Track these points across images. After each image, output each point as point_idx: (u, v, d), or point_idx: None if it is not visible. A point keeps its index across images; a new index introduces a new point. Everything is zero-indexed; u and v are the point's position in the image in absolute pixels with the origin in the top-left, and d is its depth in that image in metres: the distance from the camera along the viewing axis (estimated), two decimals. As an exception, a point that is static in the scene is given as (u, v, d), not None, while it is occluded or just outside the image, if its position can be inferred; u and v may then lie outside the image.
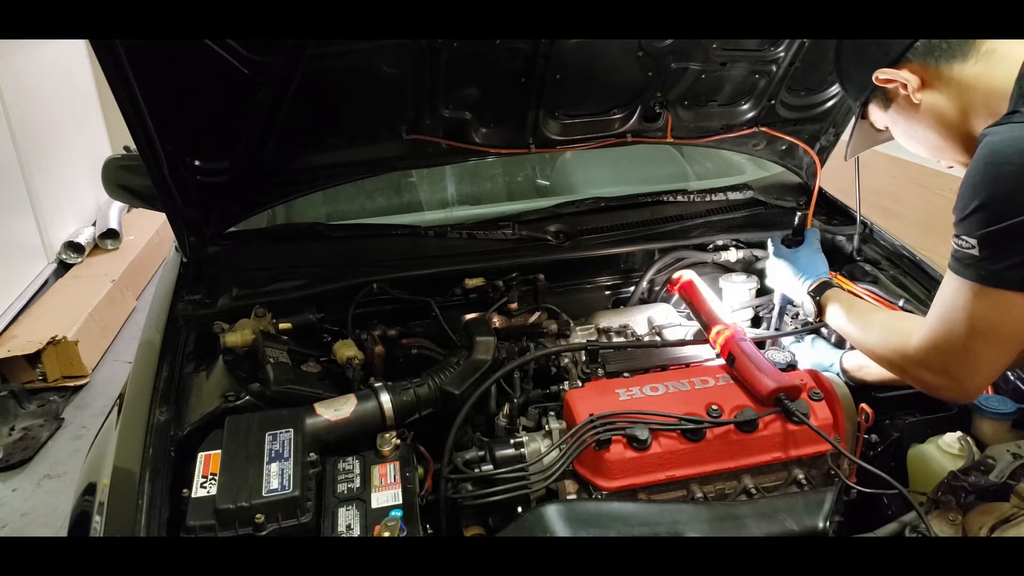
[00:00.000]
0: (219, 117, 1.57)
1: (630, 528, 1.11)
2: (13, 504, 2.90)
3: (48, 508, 2.86)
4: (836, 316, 1.45)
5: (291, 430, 1.29)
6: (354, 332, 1.66)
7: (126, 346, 3.89)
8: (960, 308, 1.09)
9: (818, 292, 1.53)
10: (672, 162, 2.39)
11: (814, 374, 1.40)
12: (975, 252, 1.04)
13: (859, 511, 1.32)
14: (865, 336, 1.34)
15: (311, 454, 1.27)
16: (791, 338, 1.68)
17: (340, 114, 1.68)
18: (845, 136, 1.40)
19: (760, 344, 1.58)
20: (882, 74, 1.20)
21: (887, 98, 1.25)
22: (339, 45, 1.48)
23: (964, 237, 1.06)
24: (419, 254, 1.90)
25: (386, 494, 1.23)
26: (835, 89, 1.96)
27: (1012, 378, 1.45)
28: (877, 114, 1.29)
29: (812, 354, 1.62)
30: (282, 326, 1.65)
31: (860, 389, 1.49)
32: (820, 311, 1.51)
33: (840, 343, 1.63)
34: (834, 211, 2.13)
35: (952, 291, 1.10)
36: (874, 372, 1.46)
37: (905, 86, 1.19)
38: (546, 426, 1.38)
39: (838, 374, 1.54)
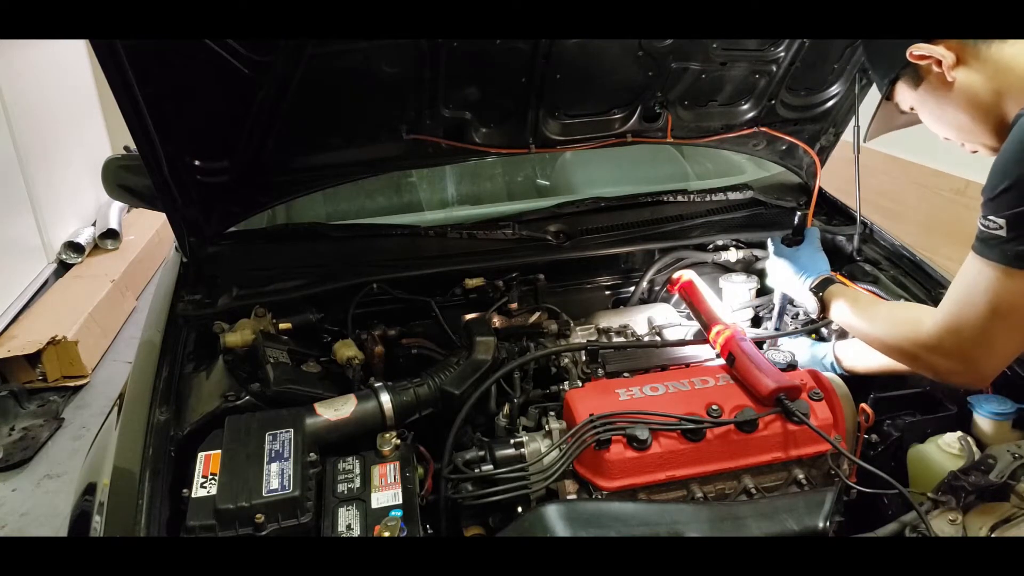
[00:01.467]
0: (219, 117, 1.58)
1: (630, 528, 1.11)
2: (13, 504, 2.90)
3: (48, 508, 2.86)
4: (841, 311, 1.44)
5: (291, 430, 1.29)
6: (354, 332, 1.66)
7: (126, 346, 3.89)
8: (982, 290, 1.08)
9: (820, 288, 1.52)
10: (672, 162, 2.39)
11: (814, 374, 1.40)
12: (1002, 233, 1.03)
13: (859, 511, 1.32)
14: (872, 328, 1.34)
15: (311, 454, 1.27)
16: (786, 337, 1.68)
17: (340, 114, 1.68)
18: (864, 121, 1.33)
19: (760, 344, 1.58)
20: (917, 49, 1.15)
21: (918, 76, 1.20)
22: (339, 45, 1.48)
23: (991, 217, 1.04)
24: (419, 254, 1.90)
25: (386, 494, 1.23)
26: (835, 89, 1.96)
27: (1012, 377, 1.45)
28: (905, 93, 1.24)
29: (805, 350, 1.62)
30: (282, 326, 1.65)
31: (860, 389, 1.49)
32: (824, 307, 1.51)
33: (843, 339, 1.63)
34: (834, 211, 2.13)
35: (975, 272, 1.09)
36: (867, 361, 1.46)
37: (939, 63, 1.14)
38: (546, 426, 1.38)
39: (832, 364, 1.54)
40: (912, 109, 1.26)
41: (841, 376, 1.50)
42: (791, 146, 2.10)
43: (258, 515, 1.15)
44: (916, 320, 1.20)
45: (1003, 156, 1.04)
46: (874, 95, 1.35)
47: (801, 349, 1.63)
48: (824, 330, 1.68)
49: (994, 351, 1.11)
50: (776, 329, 1.75)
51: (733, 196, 2.15)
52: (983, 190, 1.07)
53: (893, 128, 1.37)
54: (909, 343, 1.22)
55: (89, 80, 4.99)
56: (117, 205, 4.70)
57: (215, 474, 1.21)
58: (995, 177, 1.04)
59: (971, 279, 1.10)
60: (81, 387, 3.58)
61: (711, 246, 1.97)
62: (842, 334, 1.62)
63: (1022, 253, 1.03)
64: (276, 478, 1.20)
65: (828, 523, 1.09)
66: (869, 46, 1.31)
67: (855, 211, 1.95)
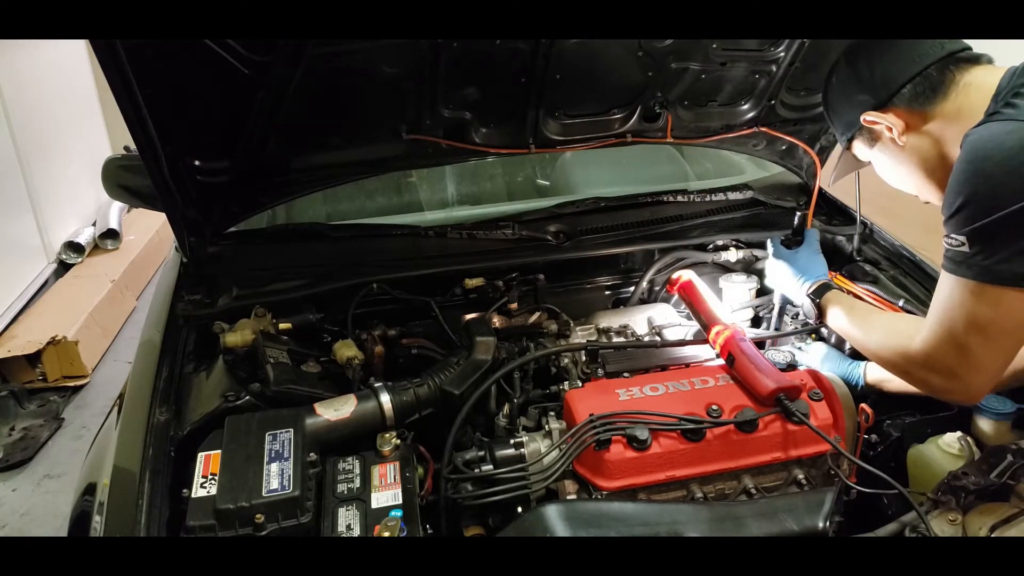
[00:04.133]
0: (219, 117, 1.57)
1: (630, 528, 1.11)
2: (13, 504, 2.90)
3: (48, 508, 2.86)
4: (837, 319, 1.45)
5: (291, 430, 1.29)
6: (354, 332, 1.66)
7: (126, 346, 3.89)
8: (956, 307, 1.10)
9: (818, 294, 1.52)
10: (672, 162, 2.39)
11: (814, 374, 1.40)
12: (965, 249, 1.07)
13: (859, 511, 1.32)
14: (867, 338, 1.35)
15: (311, 454, 1.27)
16: (800, 345, 1.67)
17: (340, 114, 1.68)
18: (831, 162, 1.43)
19: (760, 344, 1.58)
20: (869, 116, 1.25)
21: (872, 137, 1.29)
22: (339, 45, 1.48)
23: (953, 235, 1.08)
24: (419, 254, 1.90)
25: (386, 494, 1.23)
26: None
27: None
28: (862, 150, 1.34)
29: (832, 367, 1.58)
30: (282, 326, 1.65)
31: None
32: (821, 313, 1.51)
33: (840, 344, 1.63)
34: (834, 211, 2.14)
35: (947, 290, 1.12)
36: (898, 383, 1.43)
37: (891, 129, 1.23)
38: (546, 426, 1.38)
39: (861, 387, 1.52)
40: (870, 163, 1.36)
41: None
42: (791, 146, 2.09)
43: (258, 515, 1.15)
44: (908, 335, 1.21)
45: (955, 175, 1.08)
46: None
47: (832, 363, 1.59)
48: (824, 331, 1.68)
49: (981, 367, 1.13)
50: (776, 329, 1.75)
51: (733, 196, 2.15)
52: (942, 209, 1.11)
53: (856, 169, 1.47)
54: (901, 358, 1.23)
55: (89, 80, 4.99)
56: (117, 205, 4.70)
57: (215, 474, 1.21)
58: (950, 196, 1.09)
59: (946, 296, 1.12)
60: (81, 387, 3.58)
61: (711, 246, 1.97)
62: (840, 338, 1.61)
63: (988, 267, 1.05)
64: (276, 478, 1.20)
65: (828, 523, 1.09)
66: (828, 108, 1.37)
67: (855, 211, 1.95)
